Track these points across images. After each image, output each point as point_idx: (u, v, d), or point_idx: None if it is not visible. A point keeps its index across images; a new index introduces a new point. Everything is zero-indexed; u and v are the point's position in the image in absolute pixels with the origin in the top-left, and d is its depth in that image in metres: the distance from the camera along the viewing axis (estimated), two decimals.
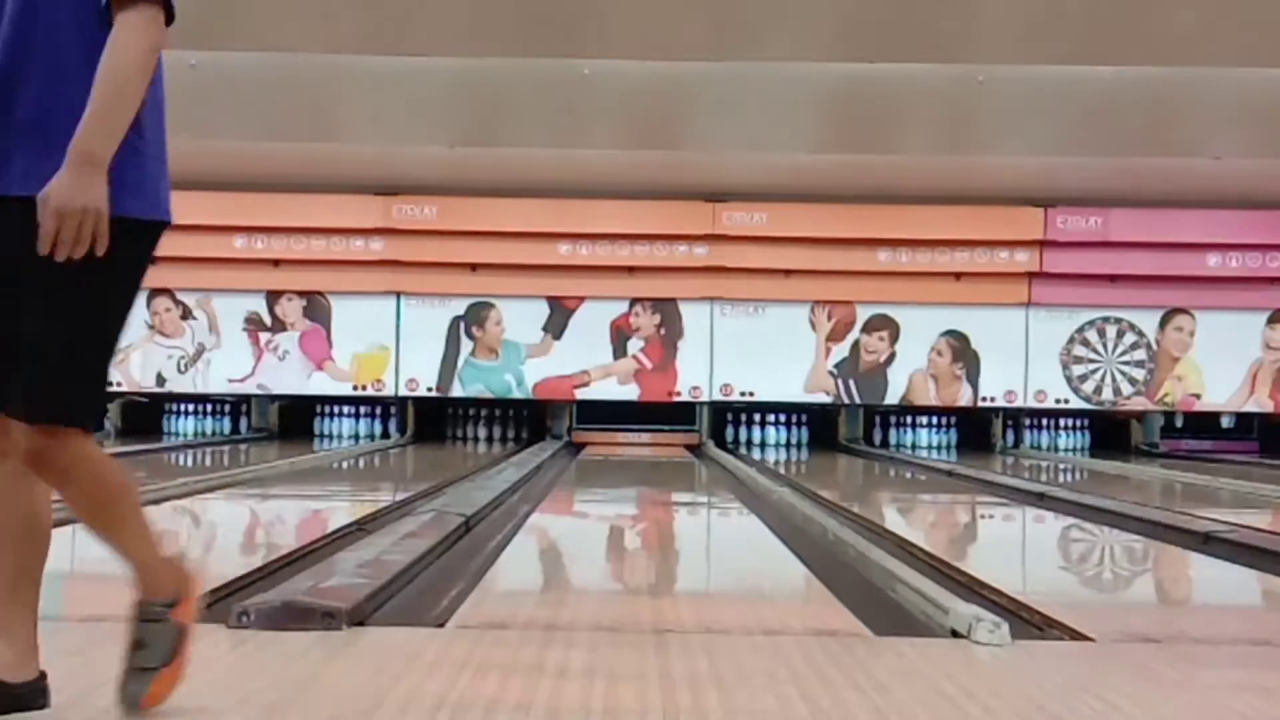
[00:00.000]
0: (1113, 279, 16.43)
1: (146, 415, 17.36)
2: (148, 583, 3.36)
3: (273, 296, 16.33)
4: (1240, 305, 16.50)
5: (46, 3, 3.12)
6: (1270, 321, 16.65)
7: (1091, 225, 16.26)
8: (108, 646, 4.16)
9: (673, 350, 16.59)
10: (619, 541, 8.50)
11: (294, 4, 11.81)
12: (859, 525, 8.29)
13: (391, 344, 16.43)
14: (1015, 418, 17.64)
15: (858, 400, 16.83)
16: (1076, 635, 4.87)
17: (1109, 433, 17.78)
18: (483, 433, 17.58)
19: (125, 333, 3.25)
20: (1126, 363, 16.74)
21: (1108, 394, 16.74)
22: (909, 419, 17.82)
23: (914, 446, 17.62)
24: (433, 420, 17.49)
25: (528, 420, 17.60)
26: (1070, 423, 17.76)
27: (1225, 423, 17.46)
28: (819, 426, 17.76)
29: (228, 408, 17.51)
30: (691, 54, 12.18)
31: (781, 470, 14.20)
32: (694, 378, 16.59)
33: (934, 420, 17.83)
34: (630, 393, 16.63)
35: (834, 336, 16.62)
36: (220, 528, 8.89)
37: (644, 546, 8.26)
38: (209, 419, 17.52)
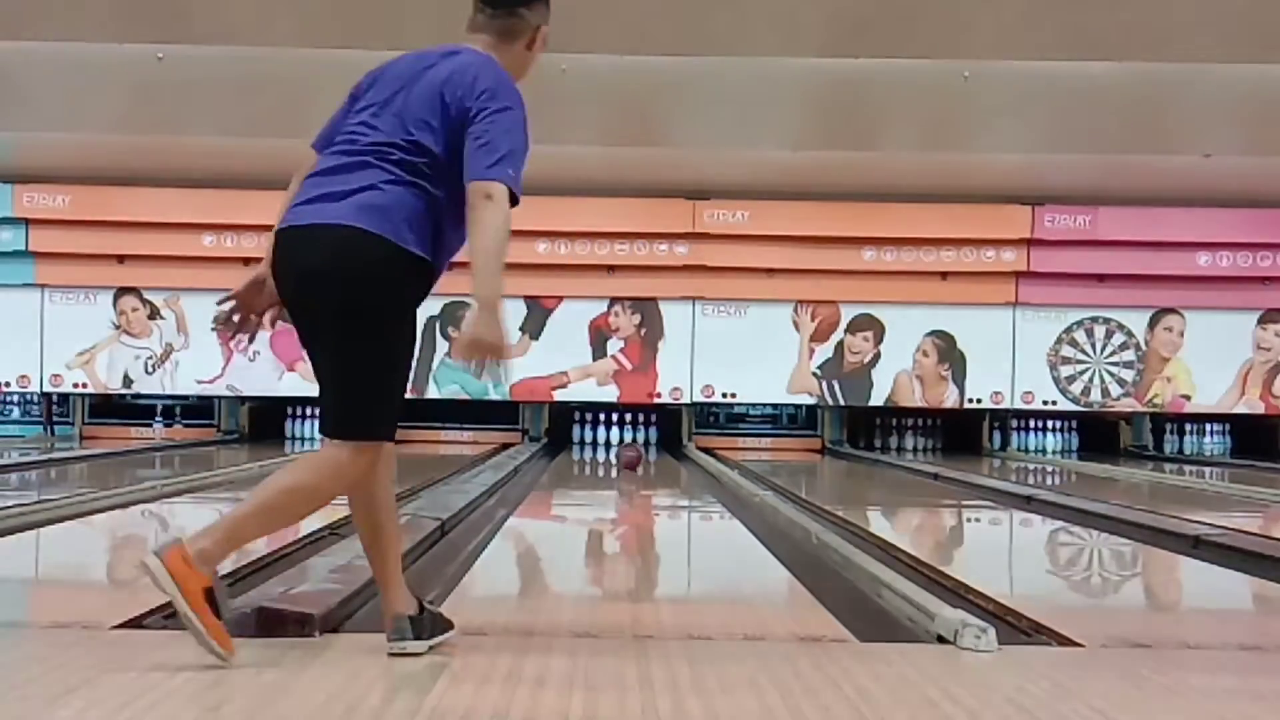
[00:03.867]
0: (1101, 278, 16.41)
1: (269, 419, 17.29)
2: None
3: None
4: (1231, 305, 16.49)
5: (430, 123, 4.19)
6: (1261, 322, 16.63)
7: (1080, 224, 16.22)
8: (75, 653, 4.12)
9: (653, 351, 16.52)
10: (598, 545, 8.43)
11: None
12: (843, 529, 8.24)
13: None
14: (1002, 419, 17.61)
15: (841, 402, 16.76)
16: (1064, 640, 4.83)
17: (1097, 435, 17.76)
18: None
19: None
20: (1115, 363, 16.71)
21: (1096, 395, 16.70)
22: (894, 421, 17.80)
23: (899, 449, 17.60)
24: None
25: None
26: (1058, 424, 17.74)
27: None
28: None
29: None
30: (672, 49, 12.11)
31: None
32: (675, 379, 16.52)
33: (919, 422, 17.81)
34: (609, 394, 16.57)
35: (818, 337, 16.56)
36: (189, 532, 8.76)
37: (624, 550, 8.20)
38: None
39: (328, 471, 4.14)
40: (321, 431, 4.22)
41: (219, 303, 4.42)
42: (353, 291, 4.07)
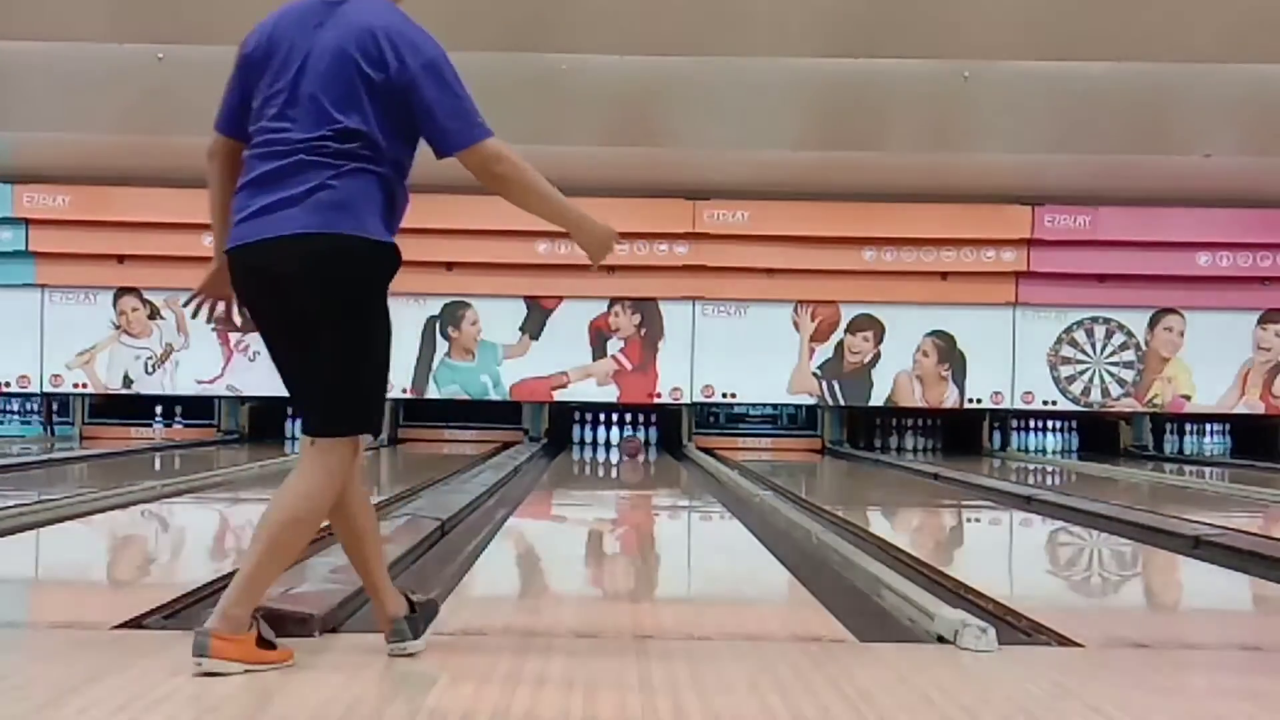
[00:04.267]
0: (1101, 278, 16.39)
1: (269, 419, 17.28)
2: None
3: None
4: (1231, 305, 16.48)
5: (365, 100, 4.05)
6: (1261, 322, 16.62)
7: (1080, 224, 16.20)
8: (74, 653, 4.12)
9: (653, 351, 16.51)
10: (598, 546, 8.41)
11: None
12: (843, 529, 8.23)
13: None
14: (1002, 419, 17.61)
15: (841, 402, 16.75)
16: (1065, 641, 4.82)
17: (1097, 435, 17.75)
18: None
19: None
20: (1115, 363, 16.70)
21: (1096, 395, 16.69)
22: (894, 421, 17.80)
23: (899, 449, 17.60)
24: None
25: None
26: (1058, 424, 17.73)
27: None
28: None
29: None
30: (672, 49, 12.11)
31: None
32: (675, 379, 16.51)
33: (919, 422, 17.80)
34: (609, 394, 16.56)
35: (818, 337, 16.55)
36: (189, 532, 8.81)
37: (624, 551, 8.18)
38: None
39: (320, 480, 4.08)
40: (306, 432, 4.14)
41: (183, 304, 4.41)
42: (330, 294, 4.02)
